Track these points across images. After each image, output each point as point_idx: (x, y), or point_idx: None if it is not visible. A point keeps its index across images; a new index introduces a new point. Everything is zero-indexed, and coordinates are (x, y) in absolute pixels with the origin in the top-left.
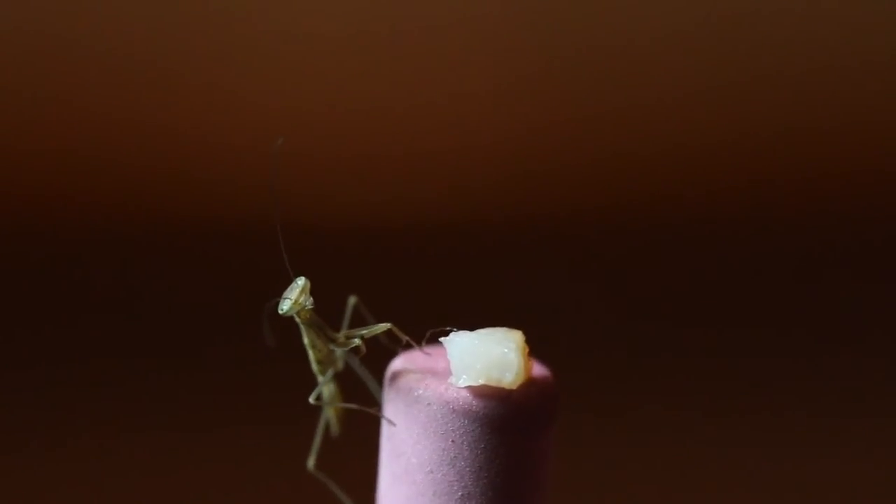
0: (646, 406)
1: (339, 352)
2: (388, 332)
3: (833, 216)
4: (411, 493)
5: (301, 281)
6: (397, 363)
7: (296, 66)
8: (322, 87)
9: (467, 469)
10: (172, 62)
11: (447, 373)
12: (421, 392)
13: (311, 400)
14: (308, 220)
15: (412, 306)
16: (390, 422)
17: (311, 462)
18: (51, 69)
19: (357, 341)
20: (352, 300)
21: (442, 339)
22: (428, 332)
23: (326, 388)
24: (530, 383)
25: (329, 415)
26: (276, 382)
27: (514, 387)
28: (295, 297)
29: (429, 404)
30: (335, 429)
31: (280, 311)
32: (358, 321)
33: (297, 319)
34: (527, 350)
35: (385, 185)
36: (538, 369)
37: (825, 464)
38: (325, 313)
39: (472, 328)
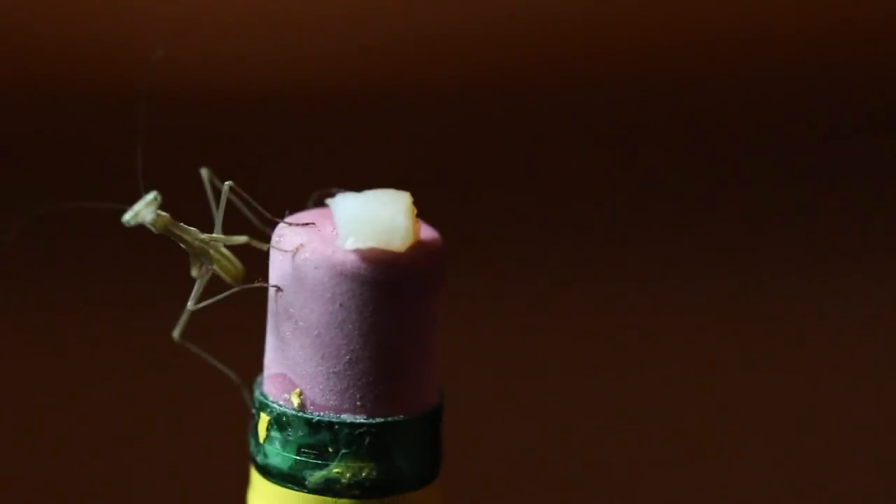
0: (534, 268)
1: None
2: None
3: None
4: (299, 356)
5: (150, 195)
6: (284, 227)
7: None
8: None
9: (355, 332)
10: None
11: (334, 236)
12: (308, 255)
13: (191, 306)
14: (184, 87)
15: (296, 170)
16: (277, 288)
17: (176, 333)
18: None
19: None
20: (204, 172)
21: (328, 200)
22: (314, 193)
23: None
24: (418, 246)
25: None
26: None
27: (403, 249)
28: (136, 208)
29: (316, 267)
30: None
31: (123, 221)
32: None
33: (152, 229)
34: (415, 212)
35: (269, 50)
36: (426, 231)
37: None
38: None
39: (358, 190)
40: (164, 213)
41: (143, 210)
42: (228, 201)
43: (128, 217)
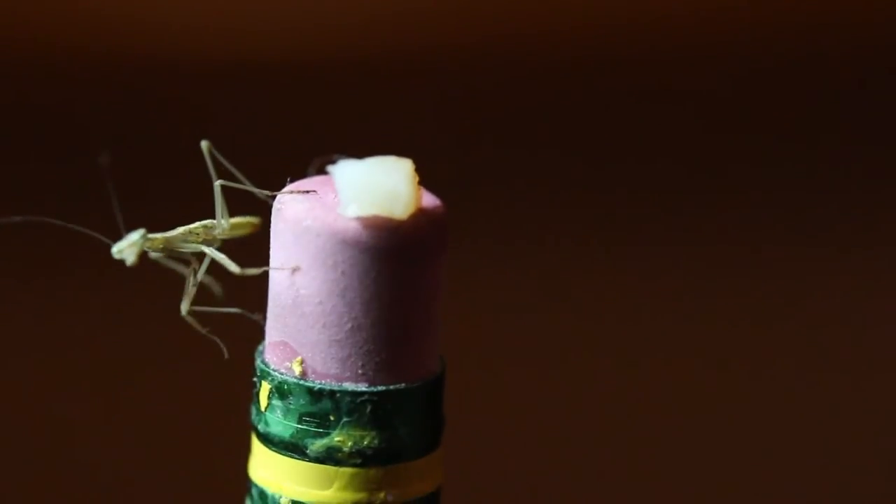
0: (536, 237)
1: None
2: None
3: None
4: (300, 324)
5: (134, 236)
6: (284, 194)
7: None
8: None
9: (357, 300)
10: None
11: (336, 203)
12: (309, 223)
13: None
14: (178, 57)
15: (296, 140)
16: (294, 269)
17: (184, 307)
18: None
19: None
20: (204, 145)
21: (329, 168)
22: (315, 160)
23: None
24: (420, 213)
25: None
26: None
27: (404, 217)
28: (121, 246)
29: (317, 235)
30: (217, 289)
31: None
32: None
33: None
34: (417, 179)
35: (266, 19)
36: (428, 199)
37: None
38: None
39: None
40: (152, 240)
41: (127, 251)
42: (229, 176)
43: (114, 251)
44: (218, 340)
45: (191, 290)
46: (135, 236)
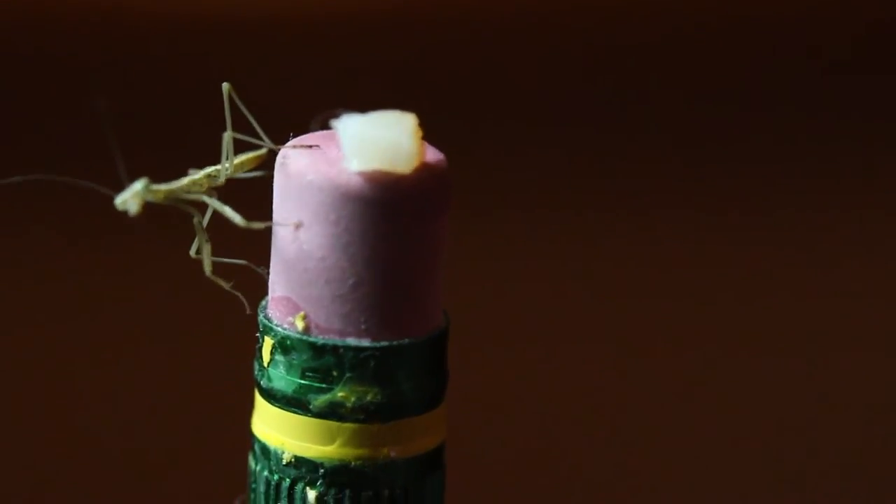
0: (536, 186)
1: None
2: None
3: None
4: (303, 279)
5: (137, 185)
6: (287, 149)
7: None
8: None
9: (359, 255)
10: None
11: (339, 158)
12: (312, 178)
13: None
14: (186, 14)
15: (298, 93)
16: (297, 224)
17: (207, 267)
18: None
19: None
20: (225, 87)
21: (332, 122)
22: (317, 115)
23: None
24: (423, 168)
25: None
26: None
27: (407, 171)
28: (124, 197)
29: (320, 189)
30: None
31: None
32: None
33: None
34: (420, 134)
35: None
36: (431, 154)
37: None
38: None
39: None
40: (154, 191)
41: (130, 202)
42: (241, 123)
43: (117, 202)
44: (240, 296)
45: (206, 247)
46: (138, 186)
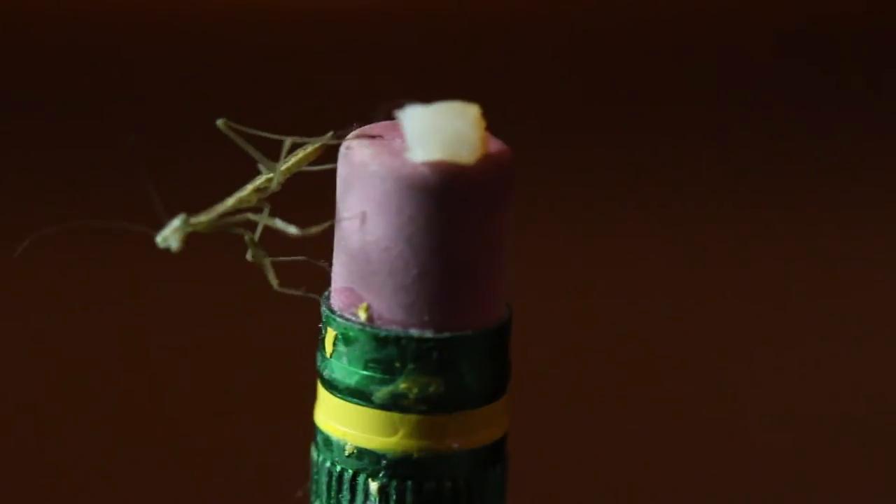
0: (604, 181)
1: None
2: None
3: None
4: (366, 270)
5: (176, 222)
6: (351, 139)
7: None
8: None
9: (423, 246)
10: None
11: (402, 148)
12: (375, 168)
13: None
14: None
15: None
16: (362, 215)
17: (273, 282)
18: None
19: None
20: (221, 124)
21: (396, 112)
22: (381, 104)
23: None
24: (487, 158)
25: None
26: None
27: (471, 161)
28: (165, 234)
29: (383, 180)
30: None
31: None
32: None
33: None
34: (484, 124)
35: None
36: (495, 144)
37: None
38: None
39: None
40: (195, 224)
41: (171, 238)
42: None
43: (158, 240)
44: (317, 297)
45: (265, 262)
46: (176, 222)
